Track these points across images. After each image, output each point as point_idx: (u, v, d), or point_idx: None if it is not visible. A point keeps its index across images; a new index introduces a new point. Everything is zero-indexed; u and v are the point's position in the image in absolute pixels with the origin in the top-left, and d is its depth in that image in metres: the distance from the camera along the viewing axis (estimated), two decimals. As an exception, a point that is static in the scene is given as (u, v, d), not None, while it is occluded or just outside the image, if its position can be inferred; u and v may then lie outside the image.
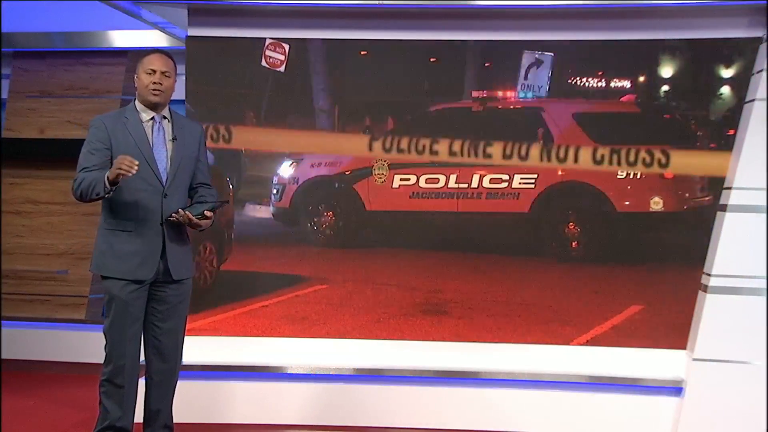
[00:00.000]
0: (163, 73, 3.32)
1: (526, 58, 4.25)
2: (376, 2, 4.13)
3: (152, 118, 3.35)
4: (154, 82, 3.31)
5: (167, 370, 3.42)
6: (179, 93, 4.40)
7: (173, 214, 3.26)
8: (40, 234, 5.63)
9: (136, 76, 3.38)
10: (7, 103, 5.69)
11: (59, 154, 5.33)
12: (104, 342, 3.32)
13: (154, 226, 3.28)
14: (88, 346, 4.99)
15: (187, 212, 3.26)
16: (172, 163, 3.34)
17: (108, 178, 3.12)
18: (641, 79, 4.27)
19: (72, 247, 5.56)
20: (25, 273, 5.59)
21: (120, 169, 3.07)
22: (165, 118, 3.39)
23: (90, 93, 5.63)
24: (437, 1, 4.11)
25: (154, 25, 4.75)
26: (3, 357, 4.98)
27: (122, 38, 5.37)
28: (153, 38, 5.20)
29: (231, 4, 4.26)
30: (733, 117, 4.14)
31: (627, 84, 4.27)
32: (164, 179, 3.31)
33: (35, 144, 5.62)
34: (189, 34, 4.34)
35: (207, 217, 3.31)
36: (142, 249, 3.27)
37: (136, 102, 3.38)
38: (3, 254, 5.54)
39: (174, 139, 3.37)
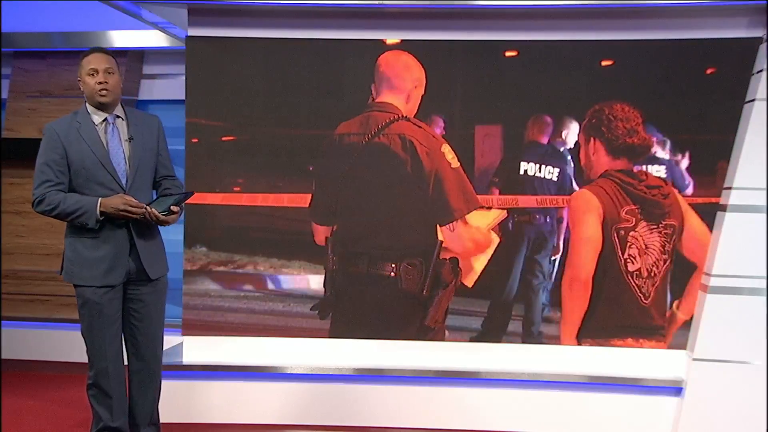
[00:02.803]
0: (105, 70, 3.24)
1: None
2: (377, 2, 4.13)
3: (105, 120, 3.29)
4: (100, 82, 3.23)
5: (147, 369, 3.40)
6: (179, 93, 4.43)
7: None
8: (40, 234, 5.62)
9: (79, 80, 3.29)
10: (7, 103, 5.68)
11: (59, 154, 5.32)
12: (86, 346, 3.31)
13: (119, 229, 3.24)
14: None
15: (153, 210, 3.21)
16: (131, 163, 3.28)
17: (99, 212, 3.13)
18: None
19: (72, 247, 5.55)
20: (25, 273, 5.59)
21: (127, 212, 3.13)
22: (119, 117, 3.33)
23: (90, 93, 5.61)
24: (438, 1, 4.11)
25: (154, 25, 4.74)
26: (3, 357, 4.99)
27: (122, 38, 5.35)
28: (153, 38, 5.19)
29: (231, 4, 4.25)
30: (731, 117, 4.14)
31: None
32: (124, 181, 3.26)
33: (35, 144, 5.54)
34: (189, 34, 4.33)
35: (173, 212, 3.27)
36: (108, 254, 3.23)
37: (87, 105, 3.31)
38: (3, 254, 5.54)
39: (130, 139, 3.30)
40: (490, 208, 4.29)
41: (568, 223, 4.29)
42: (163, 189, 3.44)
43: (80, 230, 3.24)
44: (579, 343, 4.28)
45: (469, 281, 4.30)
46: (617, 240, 4.20)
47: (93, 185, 3.22)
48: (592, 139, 4.23)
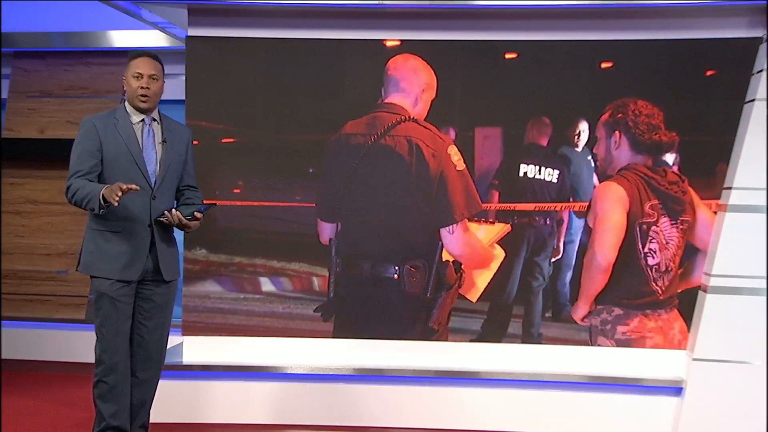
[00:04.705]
0: (150, 76, 3.31)
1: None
2: (378, 2, 4.13)
3: (142, 120, 3.35)
4: (142, 87, 3.29)
5: (151, 368, 3.43)
6: (179, 93, 4.43)
7: (165, 212, 3.27)
8: (40, 234, 5.63)
9: (124, 78, 3.36)
10: (7, 103, 5.69)
11: (59, 154, 5.25)
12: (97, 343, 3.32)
13: (142, 227, 3.29)
14: (88, 346, 4.92)
15: (177, 212, 3.27)
16: (162, 165, 3.34)
17: (102, 197, 3.11)
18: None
19: (72, 247, 5.56)
20: (25, 273, 5.59)
21: (113, 197, 3.05)
22: (155, 120, 3.39)
23: (90, 93, 5.62)
24: (438, 1, 4.11)
25: (154, 25, 4.75)
26: (3, 357, 4.99)
27: (122, 38, 5.36)
28: (153, 38, 5.20)
29: (231, 4, 4.26)
30: (731, 117, 4.14)
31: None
32: (153, 181, 3.31)
33: (35, 144, 5.62)
34: (189, 34, 4.34)
35: (196, 218, 3.32)
36: (129, 250, 3.28)
37: (126, 104, 3.37)
38: (3, 254, 5.54)
39: (164, 141, 3.37)
40: (493, 222, 4.29)
41: (592, 209, 4.24)
42: (185, 198, 3.50)
43: (104, 224, 3.28)
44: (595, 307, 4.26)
45: (473, 296, 4.30)
46: (639, 234, 4.19)
47: (123, 180, 3.19)
48: (616, 132, 4.20)
